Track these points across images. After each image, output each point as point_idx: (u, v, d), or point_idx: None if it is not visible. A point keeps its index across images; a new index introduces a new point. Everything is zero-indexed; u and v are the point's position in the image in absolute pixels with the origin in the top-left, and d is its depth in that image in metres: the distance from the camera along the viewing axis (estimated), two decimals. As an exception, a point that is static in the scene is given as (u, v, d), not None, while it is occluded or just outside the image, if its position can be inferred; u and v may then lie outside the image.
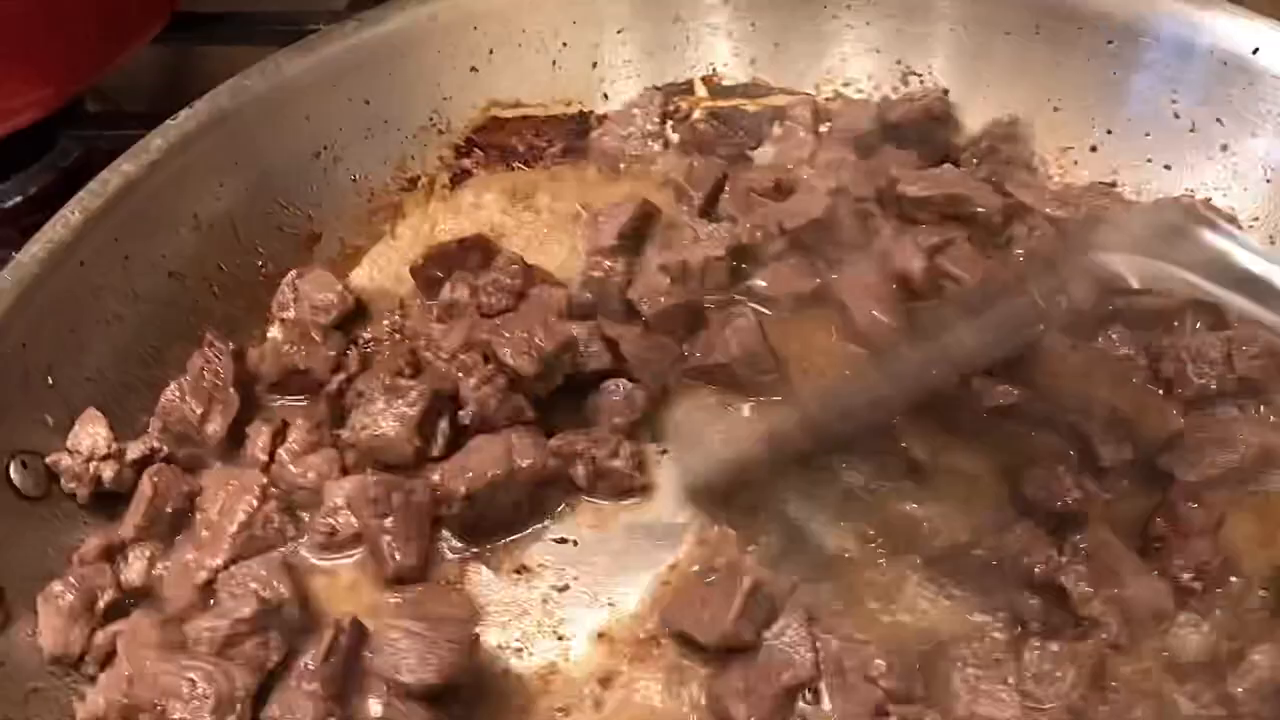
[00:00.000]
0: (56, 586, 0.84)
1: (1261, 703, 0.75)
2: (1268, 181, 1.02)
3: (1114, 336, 0.97)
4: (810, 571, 0.85)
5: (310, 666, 0.78)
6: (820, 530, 0.88)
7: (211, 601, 0.83)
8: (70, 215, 0.95)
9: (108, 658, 0.83)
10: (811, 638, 0.80)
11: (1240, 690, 0.76)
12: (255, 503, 0.87)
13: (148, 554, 0.87)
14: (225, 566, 0.84)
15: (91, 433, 0.91)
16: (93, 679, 0.83)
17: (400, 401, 0.89)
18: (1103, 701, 0.76)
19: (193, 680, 0.77)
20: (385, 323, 1.02)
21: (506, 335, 0.92)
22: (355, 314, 1.03)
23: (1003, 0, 1.10)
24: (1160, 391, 0.94)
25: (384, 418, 0.89)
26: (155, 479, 0.88)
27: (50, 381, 0.92)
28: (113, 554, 0.87)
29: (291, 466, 0.90)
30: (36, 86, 1.20)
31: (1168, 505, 0.84)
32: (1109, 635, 0.80)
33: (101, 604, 0.84)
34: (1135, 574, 0.82)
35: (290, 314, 1.02)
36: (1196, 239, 0.70)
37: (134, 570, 0.86)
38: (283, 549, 0.86)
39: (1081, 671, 0.77)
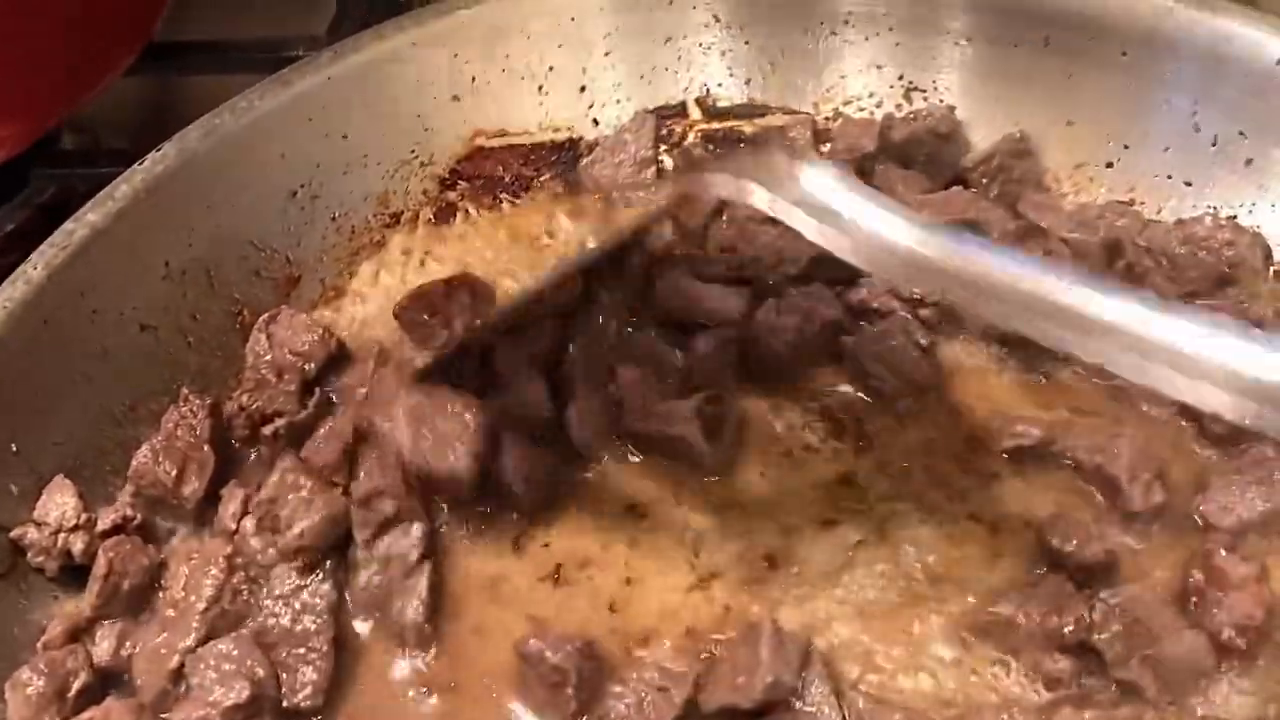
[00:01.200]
0: (24, 674, 0.79)
1: (1315, 774, 0.70)
2: (1295, 197, 0.97)
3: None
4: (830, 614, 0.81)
5: None
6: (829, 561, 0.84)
7: (183, 687, 0.78)
8: (32, 271, 0.90)
9: (81, 749, 0.78)
10: (836, 696, 0.75)
11: (1291, 759, 0.71)
12: (221, 576, 0.81)
13: (116, 631, 0.82)
14: (197, 648, 0.79)
15: (60, 502, 0.86)
16: (66, 771, 0.78)
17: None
18: (1143, 772, 0.71)
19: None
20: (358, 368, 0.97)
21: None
22: (338, 359, 0.98)
23: (1010, 11, 1.04)
24: (1192, 428, 0.89)
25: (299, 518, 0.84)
26: (111, 554, 0.83)
27: (14, 449, 0.87)
28: (79, 635, 0.82)
29: (253, 540, 0.84)
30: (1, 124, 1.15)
31: (1204, 555, 0.79)
32: (1147, 698, 0.74)
33: (74, 690, 0.79)
34: (1172, 631, 0.76)
35: (268, 361, 0.96)
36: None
37: (102, 650, 0.81)
38: (251, 624, 0.81)
39: (1119, 741, 0.72)
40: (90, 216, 0.94)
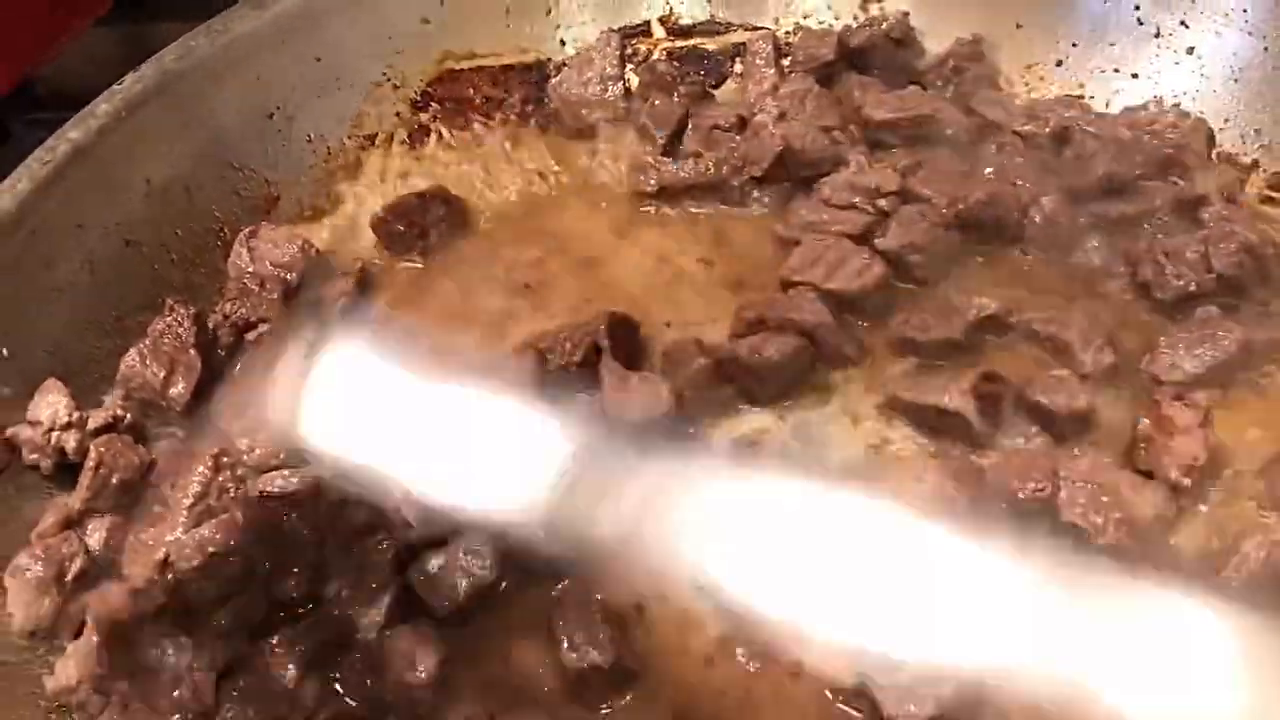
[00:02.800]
0: (23, 559, 0.81)
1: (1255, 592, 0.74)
2: (1235, 81, 1.01)
3: (1092, 247, 0.95)
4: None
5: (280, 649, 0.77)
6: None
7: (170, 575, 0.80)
8: (17, 184, 0.92)
9: (81, 628, 0.81)
10: None
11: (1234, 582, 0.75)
12: (208, 473, 0.84)
13: (106, 525, 0.84)
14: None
15: (51, 402, 0.89)
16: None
17: None
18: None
19: (169, 650, 0.76)
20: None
21: None
22: (319, 270, 1.01)
23: (958, -82, 1.08)
24: (1140, 297, 0.92)
25: None
26: (102, 449, 0.85)
27: (5, 353, 0.90)
28: (71, 526, 0.84)
29: (240, 440, 0.87)
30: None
31: (1152, 405, 0.83)
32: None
33: (71, 574, 0.82)
34: (1136, 489, 0.79)
35: (251, 273, 0.99)
36: None
37: (93, 541, 0.84)
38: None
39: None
40: (72, 134, 0.96)
